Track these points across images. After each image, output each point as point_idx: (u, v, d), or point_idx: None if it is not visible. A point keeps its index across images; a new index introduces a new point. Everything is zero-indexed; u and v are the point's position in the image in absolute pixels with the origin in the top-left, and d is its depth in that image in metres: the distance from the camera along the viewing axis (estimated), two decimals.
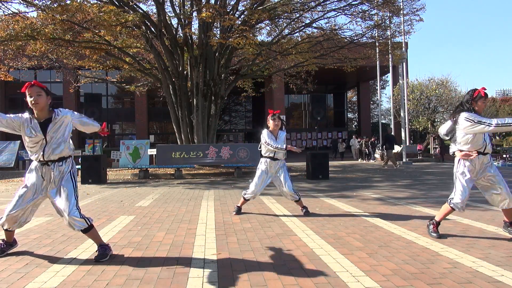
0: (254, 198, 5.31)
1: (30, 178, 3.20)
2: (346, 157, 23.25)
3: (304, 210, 5.24)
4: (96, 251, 3.20)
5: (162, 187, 9.02)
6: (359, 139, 22.01)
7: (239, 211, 5.32)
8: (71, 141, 3.30)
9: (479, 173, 3.80)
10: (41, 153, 3.13)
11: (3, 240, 3.36)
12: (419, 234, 3.93)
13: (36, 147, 3.14)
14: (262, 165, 5.23)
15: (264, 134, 5.15)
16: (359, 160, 21.08)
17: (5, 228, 3.24)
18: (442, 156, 19.64)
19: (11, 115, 3.14)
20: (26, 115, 3.17)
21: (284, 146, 5.12)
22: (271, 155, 5.18)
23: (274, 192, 7.63)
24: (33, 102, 3.06)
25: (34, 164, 3.24)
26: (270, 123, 5.16)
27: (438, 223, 3.92)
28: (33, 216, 3.33)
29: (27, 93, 3.07)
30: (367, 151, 20.87)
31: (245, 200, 5.32)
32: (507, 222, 3.89)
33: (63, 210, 3.07)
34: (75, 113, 3.38)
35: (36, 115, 3.15)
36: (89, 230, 3.15)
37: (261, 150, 5.30)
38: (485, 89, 3.77)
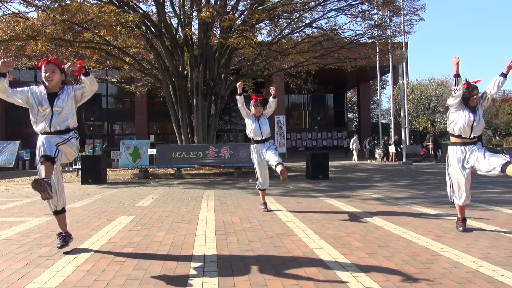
0: (267, 185, 5.57)
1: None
2: (350, 156, 23.30)
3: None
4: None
5: (162, 187, 9.02)
6: (369, 138, 21.59)
7: (265, 206, 5.46)
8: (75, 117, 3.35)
9: (468, 159, 3.91)
10: (48, 123, 3.17)
11: (60, 233, 3.44)
12: (419, 234, 3.93)
13: (42, 117, 3.19)
14: (253, 153, 5.48)
15: (246, 114, 5.47)
16: (368, 160, 20.51)
17: (52, 210, 3.34)
18: (435, 153, 19.50)
19: (18, 89, 3.26)
20: (36, 87, 3.26)
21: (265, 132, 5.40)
22: (259, 138, 5.38)
23: (274, 192, 7.63)
24: (47, 77, 3.16)
25: (40, 139, 3.20)
26: (252, 109, 5.42)
27: (463, 219, 4.09)
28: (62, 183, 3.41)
29: (42, 68, 3.18)
30: (377, 151, 20.69)
31: (263, 191, 5.55)
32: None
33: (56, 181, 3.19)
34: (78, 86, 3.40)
35: (47, 89, 3.23)
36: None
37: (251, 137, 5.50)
38: (475, 82, 3.94)
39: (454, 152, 3.99)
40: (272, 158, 5.26)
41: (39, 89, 3.25)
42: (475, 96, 3.88)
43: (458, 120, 3.92)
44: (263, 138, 5.39)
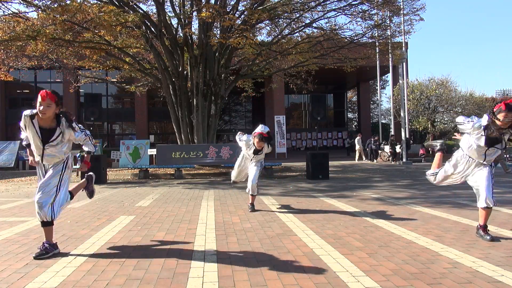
0: (240, 180, 5.88)
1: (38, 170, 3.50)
2: (352, 156, 23.30)
3: (250, 208, 5.52)
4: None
5: (162, 187, 9.02)
6: (375, 138, 21.14)
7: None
8: (68, 149, 3.49)
9: (465, 172, 3.92)
10: (39, 157, 3.36)
11: (47, 241, 3.37)
12: (419, 234, 3.93)
13: (37, 151, 3.35)
14: (240, 157, 5.78)
15: (248, 138, 5.52)
16: (375, 160, 20.09)
17: (41, 220, 3.33)
18: (434, 153, 19.41)
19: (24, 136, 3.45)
20: (27, 114, 3.27)
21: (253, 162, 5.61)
22: (251, 156, 5.58)
23: (274, 192, 7.64)
24: (41, 111, 3.20)
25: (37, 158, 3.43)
26: (255, 140, 5.40)
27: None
28: None
29: (38, 100, 3.21)
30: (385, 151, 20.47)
31: (253, 196, 5.60)
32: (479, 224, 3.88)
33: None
34: (83, 132, 3.53)
35: (39, 120, 3.27)
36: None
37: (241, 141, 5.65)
38: (507, 102, 3.45)
39: (460, 157, 3.92)
40: (250, 177, 5.53)
41: (35, 122, 3.30)
42: (508, 120, 3.39)
43: (472, 145, 3.73)
44: (252, 160, 5.64)
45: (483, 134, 3.58)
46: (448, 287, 2.51)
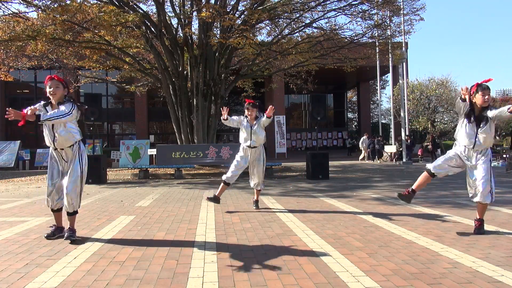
0: (231, 181, 5.56)
1: (50, 165, 3.77)
2: (354, 156, 23.30)
3: (255, 205, 5.57)
4: (66, 231, 3.75)
5: (162, 187, 9.02)
6: (379, 137, 21.05)
7: (215, 199, 5.47)
8: (76, 128, 3.75)
9: (463, 161, 3.98)
10: (53, 142, 3.63)
11: (54, 225, 3.90)
12: (419, 234, 3.93)
13: (48, 137, 3.65)
14: (240, 152, 5.53)
15: (240, 117, 5.53)
16: (379, 161, 19.90)
17: (51, 208, 3.80)
18: (433, 153, 19.23)
19: (36, 107, 3.57)
20: (41, 103, 3.64)
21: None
22: (248, 144, 5.41)
23: (274, 192, 7.64)
24: (51, 92, 3.57)
25: (50, 150, 3.76)
26: (246, 113, 5.45)
27: (414, 191, 4.16)
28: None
29: (47, 85, 3.58)
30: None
31: (226, 185, 5.53)
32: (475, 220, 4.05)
33: (65, 186, 3.61)
34: (67, 107, 3.57)
35: (52, 105, 3.63)
36: (73, 214, 3.71)
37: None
38: (486, 81, 3.78)
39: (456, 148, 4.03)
40: (256, 178, 5.48)
41: (48, 109, 3.65)
42: (487, 97, 3.72)
43: (459, 129, 3.94)
44: (253, 146, 5.43)
45: (469, 112, 3.83)
46: (448, 287, 2.51)
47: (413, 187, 4.16)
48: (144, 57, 15.80)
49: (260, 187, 5.58)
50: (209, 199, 5.50)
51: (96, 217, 5.08)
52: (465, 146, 3.91)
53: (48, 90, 3.58)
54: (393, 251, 3.34)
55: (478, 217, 4.01)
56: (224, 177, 5.54)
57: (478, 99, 3.76)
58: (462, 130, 3.90)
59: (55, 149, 3.70)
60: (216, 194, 5.55)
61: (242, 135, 5.49)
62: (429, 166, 4.10)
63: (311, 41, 14.19)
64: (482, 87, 3.75)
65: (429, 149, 20.38)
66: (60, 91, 3.60)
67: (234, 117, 5.54)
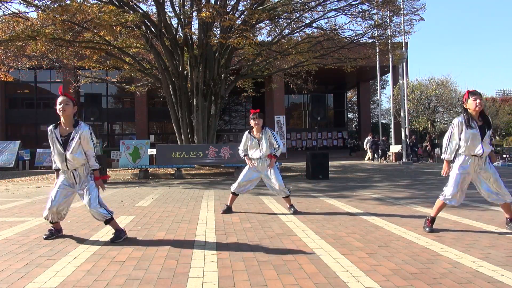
0: (241, 192, 5.40)
1: (60, 180, 3.81)
2: (355, 156, 23.27)
3: (292, 209, 5.29)
4: (113, 234, 3.83)
5: (162, 187, 9.02)
6: (384, 138, 20.79)
7: (228, 210, 5.32)
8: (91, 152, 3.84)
9: (473, 174, 3.99)
10: (65, 163, 3.71)
11: (52, 227, 3.96)
12: (419, 234, 3.93)
13: (59, 158, 3.73)
14: (249, 164, 5.36)
15: (243, 138, 5.39)
16: (385, 161, 19.59)
17: (49, 221, 3.85)
18: (430, 154, 19.05)
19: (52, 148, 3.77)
20: (50, 127, 3.76)
21: (242, 154, 5.39)
22: (257, 157, 5.30)
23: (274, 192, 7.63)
24: (61, 109, 3.65)
25: (59, 173, 3.85)
26: (251, 122, 5.31)
27: (433, 219, 4.08)
28: (68, 209, 3.95)
29: (57, 101, 3.67)
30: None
31: (234, 195, 5.40)
32: (507, 218, 4.09)
33: (86, 204, 3.72)
34: (90, 134, 3.78)
35: (61, 127, 3.73)
36: (110, 221, 3.80)
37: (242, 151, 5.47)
38: (470, 91, 3.93)
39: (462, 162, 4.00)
40: (277, 188, 5.26)
41: (56, 132, 3.74)
42: (478, 101, 3.83)
43: (468, 137, 3.90)
44: (261, 157, 5.29)
45: (468, 119, 3.89)
46: (448, 287, 2.51)
47: (432, 214, 4.10)
48: (144, 57, 15.80)
49: (286, 193, 5.29)
50: (224, 211, 5.26)
51: None
52: (476, 155, 3.88)
53: (58, 107, 3.67)
54: (393, 251, 3.34)
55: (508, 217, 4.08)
56: (232, 188, 5.38)
57: (470, 104, 3.86)
58: (470, 141, 3.85)
59: (66, 170, 3.76)
60: (228, 204, 5.39)
61: (251, 148, 5.33)
62: (448, 200, 3.98)
63: (311, 41, 14.18)
64: (473, 93, 3.89)
65: (428, 150, 20.35)
66: (70, 108, 3.70)
67: (244, 145, 5.38)
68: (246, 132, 5.40)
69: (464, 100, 3.96)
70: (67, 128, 3.73)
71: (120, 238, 3.78)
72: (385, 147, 20.15)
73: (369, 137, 20.96)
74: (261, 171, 5.33)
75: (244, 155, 5.38)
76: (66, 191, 3.78)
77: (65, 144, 3.69)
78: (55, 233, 3.93)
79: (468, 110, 3.90)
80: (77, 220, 4.84)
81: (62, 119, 3.73)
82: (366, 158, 20.67)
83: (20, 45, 11.20)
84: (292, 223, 4.54)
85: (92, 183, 3.78)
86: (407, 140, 19.34)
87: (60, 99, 3.68)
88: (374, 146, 20.19)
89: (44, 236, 3.87)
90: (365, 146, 21.13)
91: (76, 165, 3.73)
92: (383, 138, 20.68)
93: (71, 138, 3.70)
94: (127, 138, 28.13)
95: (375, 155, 20.23)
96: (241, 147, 5.43)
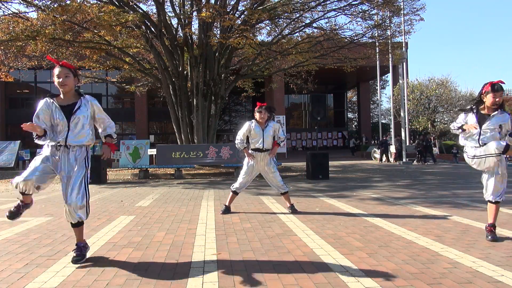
0: (240, 190, 5.35)
1: (45, 154, 3.08)
2: (357, 156, 23.25)
3: (291, 208, 5.29)
4: (74, 250, 3.15)
5: (162, 187, 9.02)
6: (398, 138, 20.17)
7: (227, 210, 5.28)
8: (92, 133, 3.21)
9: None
10: (64, 138, 3.03)
11: (21, 201, 3.28)
12: (419, 234, 3.93)
13: (58, 130, 3.05)
14: (247, 159, 5.27)
15: (244, 126, 5.27)
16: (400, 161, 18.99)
17: (21, 191, 3.13)
18: (423, 154, 18.48)
19: (39, 113, 3.05)
20: (46, 100, 3.08)
21: (240, 146, 5.26)
22: (260, 146, 5.21)
23: (274, 192, 7.63)
24: (61, 83, 3.00)
25: (46, 149, 3.09)
26: (256, 115, 5.22)
27: (493, 226, 3.78)
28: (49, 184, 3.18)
29: (55, 73, 3.01)
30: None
31: (234, 194, 5.35)
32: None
33: (67, 195, 3.03)
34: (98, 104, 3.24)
35: (59, 99, 3.08)
36: (80, 225, 3.17)
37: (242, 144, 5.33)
38: (498, 82, 3.60)
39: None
40: (276, 183, 5.28)
41: (55, 101, 3.08)
42: (498, 99, 3.56)
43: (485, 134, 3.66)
44: (265, 149, 5.22)
45: (474, 111, 3.72)
46: (448, 287, 2.51)
47: (490, 221, 3.80)
48: (144, 57, 15.81)
49: (284, 190, 5.29)
50: (223, 212, 5.23)
51: (96, 217, 5.08)
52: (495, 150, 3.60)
53: (56, 80, 3.01)
54: (393, 251, 3.34)
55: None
56: (233, 187, 5.33)
57: (488, 99, 3.62)
58: (471, 132, 3.68)
59: (63, 146, 3.05)
60: (227, 204, 5.35)
61: (253, 137, 5.21)
62: (492, 198, 3.74)
63: (311, 41, 14.19)
64: (495, 89, 3.57)
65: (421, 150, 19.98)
66: (71, 81, 3.04)
67: (243, 135, 5.24)
68: (248, 122, 5.26)
69: (484, 90, 3.66)
70: (70, 98, 3.11)
71: (84, 256, 3.13)
72: (400, 147, 19.52)
73: (398, 137, 20.30)
74: (260, 165, 5.27)
75: (244, 147, 5.24)
76: (49, 169, 3.05)
77: (66, 112, 3.02)
78: (24, 208, 3.27)
79: (484, 101, 3.67)
80: None
81: (61, 95, 3.09)
82: (378, 159, 20.16)
83: (20, 45, 11.20)
84: (292, 223, 4.54)
85: (82, 171, 3.09)
86: (422, 139, 18.97)
87: (57, 71, 3.00)
88: (384, 146, 19.70)
89: (8, 214, 3.22)
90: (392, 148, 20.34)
91: (79, 143, 3.08)
92: (397, 137, 20.20)
93: (76, 107, 3.06)
94: (127, 138, 28.12)
95: (389, 156, 19.75)
96: (239, 136, 5.23)
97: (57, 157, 3.08)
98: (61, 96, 3.10)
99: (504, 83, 3.62)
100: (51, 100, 3.07)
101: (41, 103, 3.08)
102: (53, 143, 3.06)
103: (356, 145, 27.68)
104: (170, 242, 3.70)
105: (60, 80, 2.99)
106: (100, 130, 3.36)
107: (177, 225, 4.51)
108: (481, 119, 3.67)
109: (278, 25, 15.33)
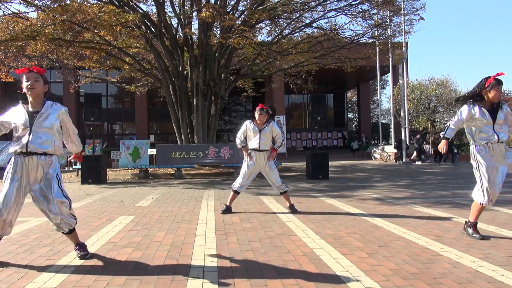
0: (240, 190, 5.35)
1: (11, 171, 2.96)
2: (358, 156, 23.29)
3: (291, 208, 5.31)
4: (76, 250, 3.21)
5: (162, 187, 9.02)
6: (418, 136, 19.41)
7: (227, 210, 5.27)
8: (59, 142, 3.11)
9: (499, 158, 3.64)
10: (25, 143, 2.93)
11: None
12: (419, 234, 3.93)
13: (20, 137, 2.97)
14: (246, 158, 5.29)
15: (243, 126, 5.32)
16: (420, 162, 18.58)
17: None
18: (419, 156, 18.30)
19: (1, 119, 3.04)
20: (17, 106, 3.06)
21: (240, 145, 5.31)
22: (256, 146, 5.24)
23: (274, 192, 7.63)
24: (29, 86, 2.90)
25: (13, 159, 3.01)
26: (256, 115, 5.25)
27: (474, 224, 3.78)
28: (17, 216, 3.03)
29: (24, 78, 2.93)
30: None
31: (235, 193, 5.35)
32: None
33: (48, 196, 2.93)
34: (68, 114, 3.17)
35: (28, 105, 3.01)
36: (72, 231, 3.15)
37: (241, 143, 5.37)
38: (499, 74, 3.59)
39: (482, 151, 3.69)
40: (276, 182, 5.29)
41: (24, 106, 3.03)
42: (496, 91, 3.54)
43: (476, 125, 3.65)
44: (262, 149, 5.24)
45: (477, 106, 3.65)
46: (448, 287, 2.51)
47: (471, 219, 3.80)
48: (144, 57, 15.80)
49: (284, 189, 5.31)
50: (223, 212, 5.22)
51: (96, 217, 5.08)
52: (492, 146, 3.61)
53: (24, 84, 2.91)
54: (393, 251, 3.34)
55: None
56: (233, 187, 5.32)
57: (492, 93, 3.57)
58: (478, 126, 3.62)
59: (26, 154, 2.94)
60: (227, 204, 5.34)
61: (250, 137, 5.26)
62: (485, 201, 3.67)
63: (311, 41, 14.19)
64: (498, 83, 3.55)
65: (423, 149, 19.91)
66: (40, 86, 2.95)
67: (242, 134, 5.31)
68: (247, 121, 5.35)
69: (487, 83, 3.61)
70: (38, 104, 3.01)
71: (87, 252, 3.19)
72: (419, 145, 19.21)
73: (418, 136, 20.09)
74: (259, 165, 5.29)
75: (242, 146, 5.29)
76: (19, 190, 2.91)
77: (31, 118, 2.95)
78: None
79: (488, 95, 3.63)
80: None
81: (30, 98, 2.98)
82: (413, 156, 19.77)
83: (20, 45, 11.20)
84: (292, 223, 4.54)
85: (54, 175, 2.99)
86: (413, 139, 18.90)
87: (26, 75, 2.92)
88: (417, 145, 19.34)
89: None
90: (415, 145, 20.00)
91: (38, 148, 2.94)
92: (418, 136, 19.92)
93: (39, 114, 2.97)
94: (127, 138, 28.14)
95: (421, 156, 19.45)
96: (239, 135, 5.34)
97: (22, 167, 2.96)
98: (30, 100, 3.00)
99: (504, 74, 3.59)
100: (22, 106, 3.04)
101: (15, 108, 3.06)
102: (17, 148, 2.99)
103: (359, 147, 27.68)
104: (170, 242, 3.70)
105: (29, 83, 2.91)
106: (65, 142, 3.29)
107: (177, 225, 4.51)
108: (491, 112, 3.61)
109: (278, 25, 15.34)
